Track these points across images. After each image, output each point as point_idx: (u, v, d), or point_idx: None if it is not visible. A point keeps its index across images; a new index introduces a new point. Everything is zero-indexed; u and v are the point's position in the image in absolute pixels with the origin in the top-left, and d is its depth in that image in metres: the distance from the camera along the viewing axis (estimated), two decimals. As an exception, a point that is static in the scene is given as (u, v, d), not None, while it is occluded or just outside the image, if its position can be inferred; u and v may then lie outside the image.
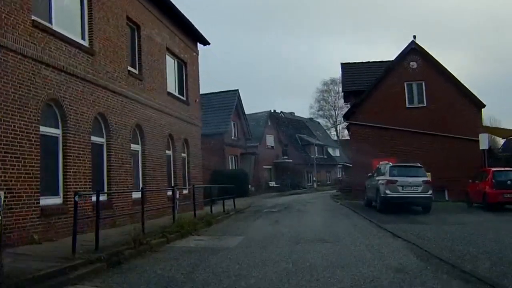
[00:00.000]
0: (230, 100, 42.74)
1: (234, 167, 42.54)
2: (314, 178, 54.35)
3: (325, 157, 65.12)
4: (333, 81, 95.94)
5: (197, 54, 23.64)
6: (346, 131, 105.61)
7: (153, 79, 17.44)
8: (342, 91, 33.14)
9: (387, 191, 17.96)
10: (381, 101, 28.87)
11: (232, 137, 42.62)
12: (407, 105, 28.90)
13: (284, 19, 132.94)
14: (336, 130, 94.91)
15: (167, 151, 18.62)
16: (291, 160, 56.28)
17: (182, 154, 20.53)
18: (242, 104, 44.32)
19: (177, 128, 19.71)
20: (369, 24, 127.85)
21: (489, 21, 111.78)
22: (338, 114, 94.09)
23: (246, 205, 26.08)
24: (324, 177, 63.66)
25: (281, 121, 61.56)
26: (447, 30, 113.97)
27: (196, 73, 23.25)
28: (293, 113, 71.75)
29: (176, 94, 20.24)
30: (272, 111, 59.53)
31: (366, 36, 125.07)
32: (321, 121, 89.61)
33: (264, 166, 52.50)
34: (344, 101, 36.40)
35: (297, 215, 17.81)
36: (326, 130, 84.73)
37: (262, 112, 54.88)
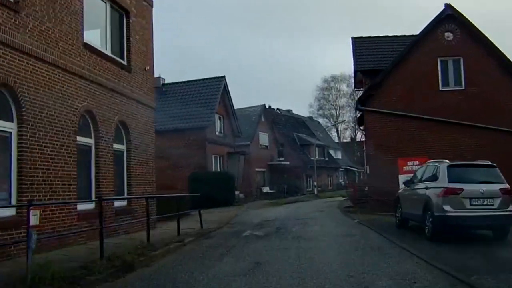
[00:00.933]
0: (214, 88, 35.60)
1: (219, 169, 35.36)
2: (315, 183, 47.16)
3: (327, 159, 57.98)
4: (334, 78, 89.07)
5: (151, 6, 16.42)
6: (347, 132, 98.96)
7: (50, 17, 10.25)
8: (355, 71, 26.10)
9: (447, 207, 10.75)
10: (407, 82, 21.90)
11: (217, 133, 35.43)
12: (441, 88, 21.88)
13: (281, 18, 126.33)
14: (337, 131, 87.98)
15: (80, 139, 11.34)
16: (288, 162, 49.14)
17: (115, 146, 13.15)
18: (229, 95, 37.15)
19: (104, 102, 12.42)
20: (368, 23, 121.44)
21: None
22: (339, 114, 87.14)
23: (225, 221, 18.92)
24: (325, 182, 56.47)
25: (276, 118, 54.44)
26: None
27: (148, 32, 15.96)
28: (291, 110, 64.59)
29: (105, 50, 12.93)
30: (267, 106, 52.37)
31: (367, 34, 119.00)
32: (321, 121, 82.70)
33: (257, 169, 45.32)
34: (355, 87, 29.18)
35: (296, 248, 10.49)
36: (327, 131, 77.64)
37: (254, 107, 47.75)
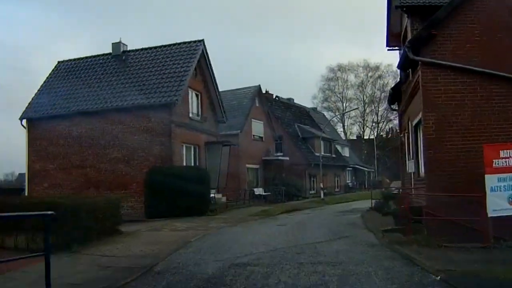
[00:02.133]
0: (188, 55, 26.35)
1: (194, 163, 26.18)
2: (321, 185, 37.73)
3: (334, 156, 48.62)
4: (340, 68, 79.71)
5: None
6: (355, 128, 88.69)
7: None
8: (388, 14, 16.95)
9: None
10: (493, 21, 12.76)
11: (191, 115, 26.17)
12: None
13: (280, 18, 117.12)
14: (344, 126, 78.69)
15: None
16: (287, 158, 39.89)
17: None
18: (211, 66, 27.89)
19: None
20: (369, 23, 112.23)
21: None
22: (346, 107, 77.90)
23: (149, 259, 9.59)
24: (332, 183, 47.12)
25: (274, 106, 45.16)
26: None
27: None
28: (292, 99, 55.24)
29: None
30: (264, 91, 43.09)
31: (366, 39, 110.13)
32: (326, 115, 73.47)
33: (248, 165, 36.10)
34: (388, 45, 19.82)
35: None
36: (332, 125, 68.42)
37: (246, 88, 38.49)
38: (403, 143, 19.65)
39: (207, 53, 27.33)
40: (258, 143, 37.93)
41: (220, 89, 29.67)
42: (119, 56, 28.61)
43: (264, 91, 42.52)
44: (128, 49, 28.96)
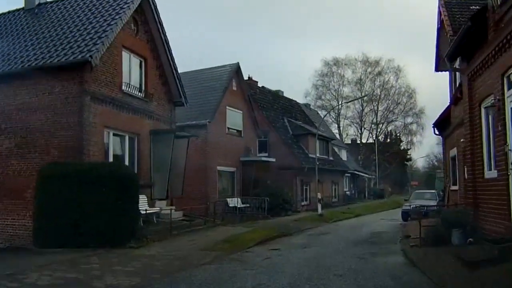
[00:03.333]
0: (120, 3, 17.65)
1: (129, 160, 17.36)
2: (318, 195, 28.50)
3: (331, 158, 39.84)
4: (336, 62, 71.26)
5: None
6: (351, 129, 79.07)
7: None
8: None
9: None
10: None
11: (125, 87, 17.24)
12: None
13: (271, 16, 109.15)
14: (339, 127, 70.08)
15: None
16: (273, 160, 31.11)
17: None
18: (160, 20, 19.18)
19: None
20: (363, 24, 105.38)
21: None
22: (342, 106, 69.42)
23: None
24: (328, 191, 38.31)
25: (260, 95, 36.48)
26: None
27: None
28: (281, 92, 46.47)
29: None
30: (247, 78, 34.44)
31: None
32: (320, 114, 64.84)
33: (220, 167, 27.34)
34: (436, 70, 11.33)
35: None
36: (327, 124, 60.02)
37: (221, 67, 29.72)
38: (475, 127, 11.08)
39: (154, 2, 18.66)
40: (235, 139, 29.16)
41: (188, 69, 21.07)
42: (32, 10, 19.98)
43: (246, 78, 33.85)
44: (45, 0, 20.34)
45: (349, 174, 49.35)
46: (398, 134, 71.80)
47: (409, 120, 69.76)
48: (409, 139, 71.56)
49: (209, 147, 25.66)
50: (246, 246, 13.34)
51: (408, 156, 74.85)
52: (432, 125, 21.56)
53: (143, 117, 18.22)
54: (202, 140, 25.06)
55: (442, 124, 19.58)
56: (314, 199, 30.97)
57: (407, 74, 73.26)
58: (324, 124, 54.13)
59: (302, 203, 32.90)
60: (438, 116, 20.33)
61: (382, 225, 22.15)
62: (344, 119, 70.55)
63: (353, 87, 69.57)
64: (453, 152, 16.85)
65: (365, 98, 66.27)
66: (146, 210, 16.05)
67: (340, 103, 67.41)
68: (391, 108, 68.79)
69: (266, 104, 36.05)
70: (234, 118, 29.20)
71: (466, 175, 12.24)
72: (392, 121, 69.85)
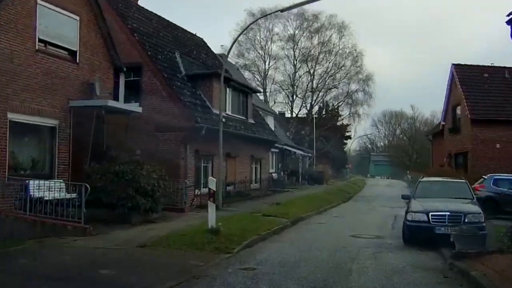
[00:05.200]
0: None
1: None
2: (213, 183, 13.61)
3: (251, 121, 25.62)
4: (264, 12, 57.51)
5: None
6: (280, 97, 63.68)
7: None
8: None
9: None
10: None
11: None
12: None
13: None
14: (265, 93, 56.46)
15: None
16: (137, 111, 16.73)
17: None
18: None
19: None
20: None
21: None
22: (269, 67, 56.08)
23: None
24: (245, 172, 24.30)
25: (136, 13, 21.94)
26: None
27: None
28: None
29: None
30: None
31: None
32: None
33: (17, 118, 12.57)
34: None
35: None
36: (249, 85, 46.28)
37: None
38: None
39: None
40: (61, 66, 14.53)
41: None
42: None
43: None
44: None
45: (277, 150, 35.97)
46: (336, 106, 59.53)
47: (353, 87, 57.78)
48: (354, 110, 59.41)
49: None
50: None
51: (348, 133, 63.10)
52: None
53: None
54: None
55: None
56: (224, 193, 17.47)
57: (354, 33, 60.08)
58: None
59: (196, 193, 18.76)
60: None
61: (378, 267, 8.99)
62: (272, 82, 57.07)
63: (284, 44, 56.24)
64: None
65: (299, 57, 53.18)
66: None
67: (268, 63, 54.00)
68: (332, 72, 56.22)
69: (143, 27, 21.49)
70: (60, 25, 14.52)
71: None
72: (331, 88, 57.38)
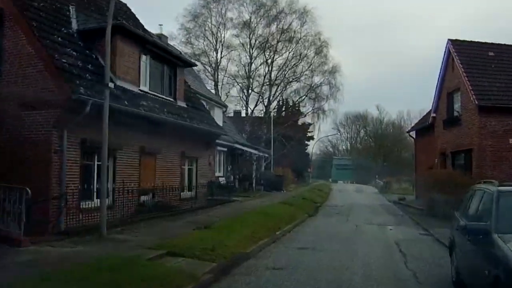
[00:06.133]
0: None
1: None
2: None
3: (180, 104, 18.61)
4: (216, -4, 50.96)
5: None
6: (234, 90, 56.93)
7: None
8: None
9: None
10: None
11: None
12: None
13: None
14: (216, 86, 49.74)
15: None
16: None
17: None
18: None
19: None
20: None
21: None
22: (221, 57, 49.59)
23: None
24: (174, 172, 17.53)
25: None
26: None
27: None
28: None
29: None
30: None
31: None
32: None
33: None
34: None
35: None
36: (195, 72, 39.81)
37: None
38: None
39: None
40: None
41: None
42: None
43: None
44: None
45: (225, 149, 29.33)
46: (297, 101, 53.41)
47: (317, 80, 51.79)
48: (318, 105, 53.33)
49: None
50: None
51: (310, 133, 57.08)
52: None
53: None
54: None
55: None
56: (120, 196, 11.18)
57: (318, 19, 54.03)
58: (199, 79, 34.24)
59: (82, 205, 11.92)
60: None
61: None
62: (224, 75, 50.46)
63: (238, 31, 49.80)
64: None
65: (256, 45, 46.83)
66: None
67: (220, 52, 47.43)
68: (292, 63, 50.08)
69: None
70: None
71: None
72: (292, 81, 51.22)
